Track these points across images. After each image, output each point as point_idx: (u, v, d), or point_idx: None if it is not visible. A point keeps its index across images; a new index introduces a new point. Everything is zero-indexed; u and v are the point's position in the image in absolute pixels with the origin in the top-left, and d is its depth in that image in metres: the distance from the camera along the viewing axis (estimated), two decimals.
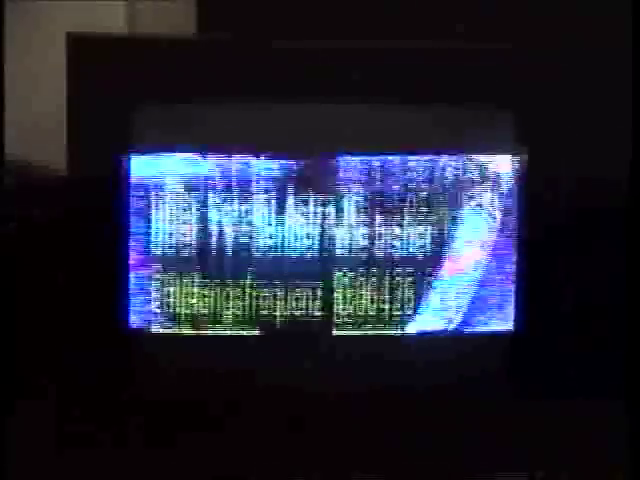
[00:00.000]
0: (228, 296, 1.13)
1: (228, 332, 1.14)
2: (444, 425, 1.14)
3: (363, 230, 1.13)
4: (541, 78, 1.13)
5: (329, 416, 1.13)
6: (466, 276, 1.15)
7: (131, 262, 1.13)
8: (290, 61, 1.11)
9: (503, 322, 1.16)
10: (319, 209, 1.13)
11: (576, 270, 1.16)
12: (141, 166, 1.12)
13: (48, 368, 1.16)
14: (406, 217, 1.14)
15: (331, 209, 1.13)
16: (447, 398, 1.15)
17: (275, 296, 1.13)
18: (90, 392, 1.12)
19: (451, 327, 1.16)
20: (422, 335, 1.15)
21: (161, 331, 1.14)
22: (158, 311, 1.14)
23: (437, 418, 1.14)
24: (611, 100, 1.16)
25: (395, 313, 1.15)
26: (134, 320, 1.14)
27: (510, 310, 1.16)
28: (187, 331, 1.14)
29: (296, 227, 1.13)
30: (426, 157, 1.13)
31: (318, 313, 1.14)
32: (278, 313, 1.14)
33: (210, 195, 1.12)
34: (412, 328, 1.15)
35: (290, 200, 1.12)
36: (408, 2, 1.26)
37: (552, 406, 1.15)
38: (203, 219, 1.12)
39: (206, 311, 1.14)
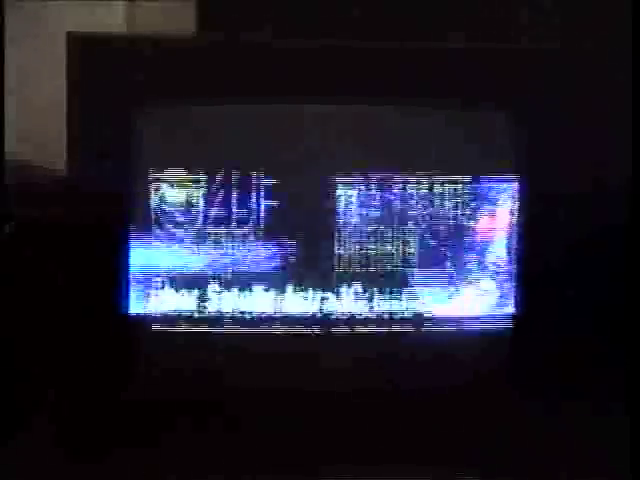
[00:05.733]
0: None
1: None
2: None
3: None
4: (541, 78, 1.13)
5: (328, 413, 1.14)
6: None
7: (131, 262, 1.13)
8: (290, 61, 1.11)
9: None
10: None
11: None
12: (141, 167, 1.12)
13: (47, 369, 1.16)
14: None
15: None
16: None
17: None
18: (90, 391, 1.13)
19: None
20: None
21: (161, 329, 1.14)
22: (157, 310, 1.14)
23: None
24: (611, 100, 1.16)
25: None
26: (134, 319, 1.14)
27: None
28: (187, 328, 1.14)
29: None
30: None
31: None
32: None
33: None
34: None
35: None
36: (407, 1, 1.26)
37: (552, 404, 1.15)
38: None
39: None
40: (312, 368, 1.15)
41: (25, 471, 1.10)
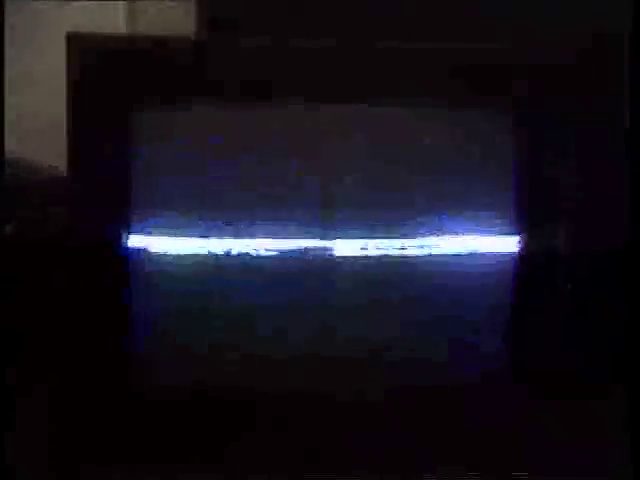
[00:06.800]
0: None
1: None
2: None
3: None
4: (541, 79, 1.13)
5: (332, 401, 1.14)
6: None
7: (131, 264, 1.13)
8: (290, 61, 1.11)
9: None
10: None
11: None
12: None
13: (48, 370, 1.16)
14: None
15: None
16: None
17: None
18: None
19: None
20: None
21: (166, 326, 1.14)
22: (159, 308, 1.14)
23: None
24: (612, 102, 1.16)
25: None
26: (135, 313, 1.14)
27: None
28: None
29: None
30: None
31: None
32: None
33: None
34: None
35: None
36: (407, 1, 1.26)
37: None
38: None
39: None
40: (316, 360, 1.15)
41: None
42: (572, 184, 1.14)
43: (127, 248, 1.12)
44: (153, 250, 1.13)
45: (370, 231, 1.13)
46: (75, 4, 1.34)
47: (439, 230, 1.14)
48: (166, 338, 1.14)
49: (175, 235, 1.13)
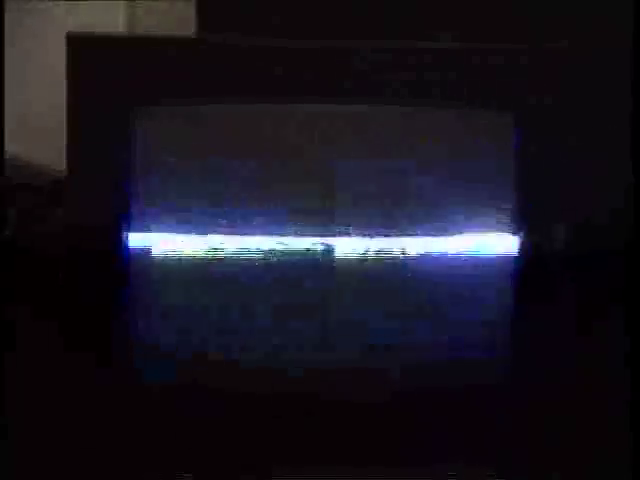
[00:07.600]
0: None
1: None
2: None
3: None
4: (542, 80, 1.13)
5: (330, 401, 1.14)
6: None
7: (131, 265, 1.13)
8: (290, 61, 1.11)
9: None
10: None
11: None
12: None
13: (47, 373, 1.16)
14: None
15: None
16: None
17: None
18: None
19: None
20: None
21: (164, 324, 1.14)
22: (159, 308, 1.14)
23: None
24: (613, 102, 1.16)
25: None
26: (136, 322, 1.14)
27: None
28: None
29: None
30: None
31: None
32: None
33: None
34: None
35: None
36: (407, 2, 1.26)
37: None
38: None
39: None
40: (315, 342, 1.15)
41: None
42: (573, 182, 1.14)
43: (127, 247, 1.12)
44: (153, 249, 1.13)
45: (371, 230, 1.14)
46: (75, 4, 1.34)
47: (440, 230, 1.14)
48: (164, 335, 1.14)
49: (174, 233, 1.13)
